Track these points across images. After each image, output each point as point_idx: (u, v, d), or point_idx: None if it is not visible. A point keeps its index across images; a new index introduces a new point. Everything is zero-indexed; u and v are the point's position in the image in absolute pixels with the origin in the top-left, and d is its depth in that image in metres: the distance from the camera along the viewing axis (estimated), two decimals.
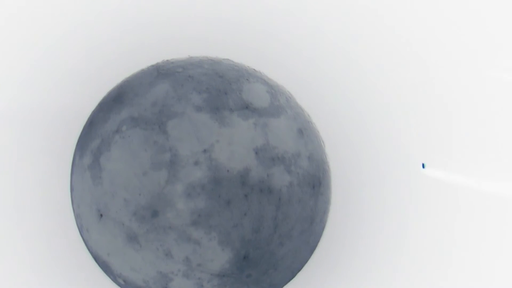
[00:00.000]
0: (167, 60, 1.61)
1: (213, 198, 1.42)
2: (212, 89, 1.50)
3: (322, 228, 1.60)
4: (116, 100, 1.55)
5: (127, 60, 1.62)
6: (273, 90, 1.56)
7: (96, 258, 1.56)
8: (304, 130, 1.56)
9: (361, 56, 1.57)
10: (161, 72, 1.55)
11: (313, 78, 1.61)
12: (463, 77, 1.53)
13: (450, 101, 1.54)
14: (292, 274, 1.59)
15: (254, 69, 1.61)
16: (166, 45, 1.62)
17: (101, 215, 1.48)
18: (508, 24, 1.50)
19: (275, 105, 1.53)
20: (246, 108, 1.49)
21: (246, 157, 1.45)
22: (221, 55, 1.63)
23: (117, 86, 1.60)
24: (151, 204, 1.43)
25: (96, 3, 1.57)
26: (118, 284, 1.56)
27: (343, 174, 1.61)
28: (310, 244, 1.57)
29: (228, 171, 1.43)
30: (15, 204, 1.57)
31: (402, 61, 1.55)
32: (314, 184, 1.54)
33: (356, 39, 1.56)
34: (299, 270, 1.60)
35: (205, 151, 1.43)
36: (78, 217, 1.57)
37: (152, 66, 1.60)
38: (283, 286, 1.60)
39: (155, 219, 1.43)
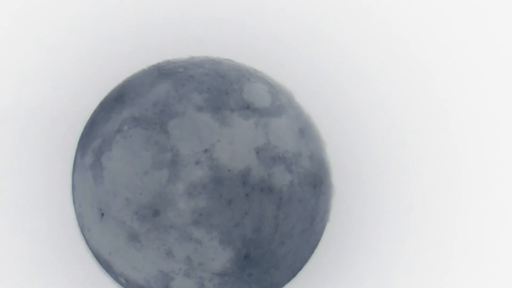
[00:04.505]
0: (168, 60, 1.61)
1: (214, 198, 1.42)
2: (213, 89, 1.50)
3: (323, 228, 1.60)
4: (117, 99, 1.55)
5: (129, 60, 1.62)
6: (274, 90, 1.57)
7: (98, 257, 1.56)
8: (305, 130, 1.56)
9: (362, 56, 1.57)
10: (162, 72, 1.55)
11: (314, 78, 1.61)
12: (463, 77, 1.53)
13: (451, 101, 1.54)
14: (293, 273, 1.59)
15: (255, 69, 1.61)
16: (167, 45, 1.62)
17: (103, 214, 1.48)
18: (508, 24, 1.50)
19: (276, 105, 1.53)
20: (247, 108, 1.49)
21: (247, 157, 1.45)
22: (222, 55, 1.63)
23: (119, 86, 1.60)
24: (152, 203, 1.43)
25: (97, 3, 1.57)
26: (120, 283, 1.57)
27: (344, 174, 1.61)
28: (311, 243, 1.57)
29: (229, 170, 1.43)
30: (16, 203, 1.57)
31: (403, 61, 1.55)
32: (315, 183, 1.54)
33: (357, 39, 1.56)
34: (300, 269, 1.60)
35: (206, 150, 1.43)
36: (79, 216, 1.57)
37: (153, 66, 1.60)
38: (284, 285, 1.61)
39: (156, 218, 1.43)
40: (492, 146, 1.52)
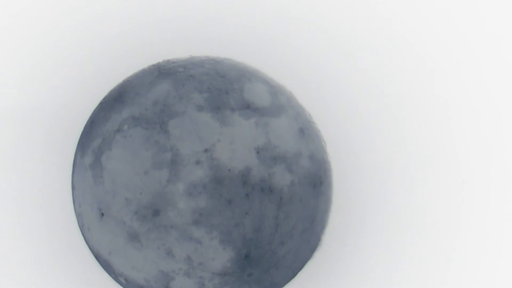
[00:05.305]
0: (168, 60, 1.61)
1: (214, 197, 1.42)
2: (213, 89, 1.50)
3: (323, 227, 1.60)
4: (117, 99, 1.55)
5: (128, 59, 1.62)
6: (274, 89, 1.57)
7: (98, 257, 1.56)
8: (305, 130, 1.56)
9: (362, 56, 1.57)
10: (162, 72, 1.56)
11: (314, 78, 1.61)
12: (464, 77, 1.53)
13: (452, 101, 1.54)
14: (293, 273, 1.59)
15: (255, 69, 1.61)
16: (167, 44, 1.62)
17: (102, 214, 1.48)
18: (508, 24, 1.50)
19: (276, 105, 1.53)
20: (247, 108, 1.49)
21: (247, 157, 1.45)
22: (222, 54, 1.63)
23: (118, 86, 1.60)
24: (152, 203, 1.43)
25: (97, 3, 1.57)
26: (120, 283, 1.57)
27: (344, 174, 1.61)
28: (311, 243, 1.57)
29: (229, 170, 1.43)
30: (16, 203, 1.57)
31: (403, 61, 1.55)
32: (316, 183, 1.54)
33: (357, 39, 1.57)
34: (300, 269, 1.60)
35: (206, 150, 1.43)
36: (79, 216, 1.57)
37: (153, 65, 1.60)
38: (284, 285, 1.61)
39: (157, 218, 1.43)
40: (493, 146, 1.52)
